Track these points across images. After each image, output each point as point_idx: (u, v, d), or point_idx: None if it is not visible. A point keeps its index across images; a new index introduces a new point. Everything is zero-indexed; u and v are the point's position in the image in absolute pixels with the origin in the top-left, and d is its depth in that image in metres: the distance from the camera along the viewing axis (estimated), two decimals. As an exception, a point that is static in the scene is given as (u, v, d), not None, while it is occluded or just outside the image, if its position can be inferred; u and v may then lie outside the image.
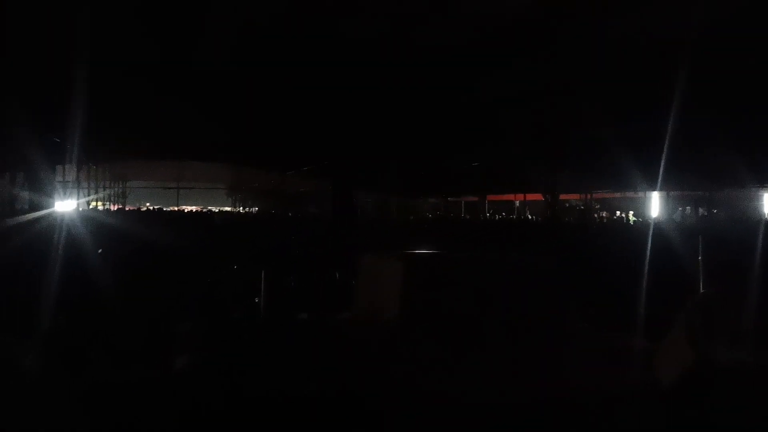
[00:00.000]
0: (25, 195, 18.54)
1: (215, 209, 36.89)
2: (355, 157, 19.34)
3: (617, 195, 32.14)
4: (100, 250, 8.64)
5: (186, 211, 33.78)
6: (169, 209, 33.71)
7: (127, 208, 32.81)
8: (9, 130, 11.83)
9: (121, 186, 33.95)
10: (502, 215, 36.08)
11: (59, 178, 22.86)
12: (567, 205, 31.29)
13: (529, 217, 32.31)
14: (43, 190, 17.96)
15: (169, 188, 35.98)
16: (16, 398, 3.31)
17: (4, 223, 13.37)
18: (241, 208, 37.42)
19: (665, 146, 12.26)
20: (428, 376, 3.49)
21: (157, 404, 3.38)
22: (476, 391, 3.26)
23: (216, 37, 8.38)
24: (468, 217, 36.30)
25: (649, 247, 8.85)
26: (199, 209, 36.78)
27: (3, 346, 4.21)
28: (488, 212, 37.44)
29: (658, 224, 19.57)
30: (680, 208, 30.33)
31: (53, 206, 18.29)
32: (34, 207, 17.51)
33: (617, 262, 8.53)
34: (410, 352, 3.93)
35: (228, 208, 37.71)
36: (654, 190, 26.95)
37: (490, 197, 37.77)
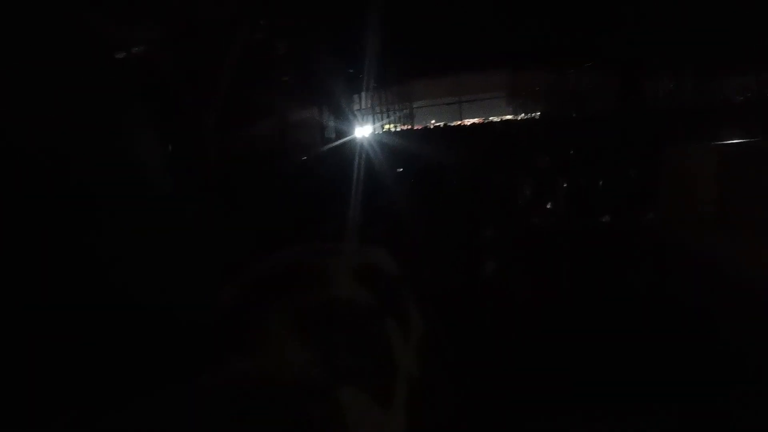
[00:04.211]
0: (331, 124, 20.83)
1: (496, 119, 36.88)
2: (647, 42, 17.12)
3: None
4: (400, 174, 9.16)
5: (468, 124, 34.38)
6: (452, 124, 34.76)
7: (414, 128, 34.75)
8: (316, 69, 13.20)
9: (407, 106, 35.95)
10: None
11: (356, 106, 25.14)
12: None
13: None
14: (344, 119, 19.97)
15: (451, 103, 36.98)
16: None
17: (321, 150, 15.25)
18: (522, 114, 36.70)
19: None
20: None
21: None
22: None
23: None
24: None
25: None
26: (480, 121, 37.17)
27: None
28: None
29: None
30: None
31: (354, 133, 20.22)
32: (339, 135, 19.58)
33: None
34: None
35: (509, 116, 37.34)
36: None
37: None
